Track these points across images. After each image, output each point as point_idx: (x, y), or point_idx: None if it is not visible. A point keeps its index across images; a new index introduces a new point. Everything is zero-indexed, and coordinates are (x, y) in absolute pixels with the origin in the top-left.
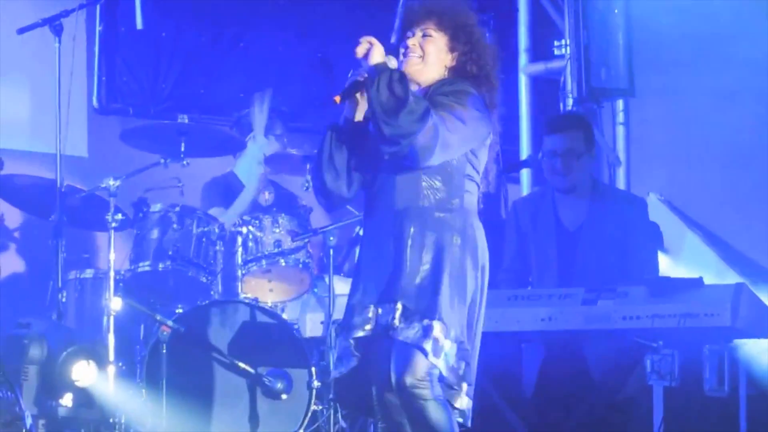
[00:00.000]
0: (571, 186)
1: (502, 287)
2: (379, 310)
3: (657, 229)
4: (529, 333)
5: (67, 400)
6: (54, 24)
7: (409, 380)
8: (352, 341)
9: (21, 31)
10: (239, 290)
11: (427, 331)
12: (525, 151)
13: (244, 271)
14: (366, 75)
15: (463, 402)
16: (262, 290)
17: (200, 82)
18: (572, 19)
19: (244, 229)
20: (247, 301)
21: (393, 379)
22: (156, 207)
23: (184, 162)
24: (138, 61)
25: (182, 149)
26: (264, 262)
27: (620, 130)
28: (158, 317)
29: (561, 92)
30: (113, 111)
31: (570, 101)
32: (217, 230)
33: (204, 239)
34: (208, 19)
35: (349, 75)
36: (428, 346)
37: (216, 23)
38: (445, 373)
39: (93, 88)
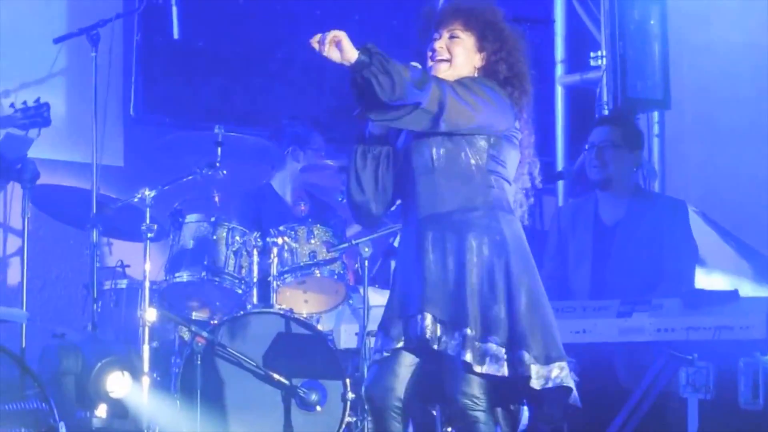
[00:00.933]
0: (606, 179)
1: None
2: (408, 323)
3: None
4: (564, 345)
5: (101, 411)
6: (91, 34)
7: (462, 399)
8: (386, 353)
9: (58, 40)
10: (274, 301)
11: (464, 341)
12: (561, 162)
13: (279, 282)
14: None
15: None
16: (297, 301)
17: (237, 93)
18: (608, 30)
19: (280, 240)
20: (281, 312)
21: (447, 391)
22: (192, 217)
23: (221, 172)
24: (175, 71)
25: (218, 159)
26: (299, 273)
27: (655, 142)
28: (193, 328)
29: (597, 103)
30: (149, 121)
31: (606, 112)
32: (252, 241)
33: (239, 250)
34: (245, 29)
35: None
36: (468, 356)
37: (253, 33)
38: (502, 372)
39: (129, 98)
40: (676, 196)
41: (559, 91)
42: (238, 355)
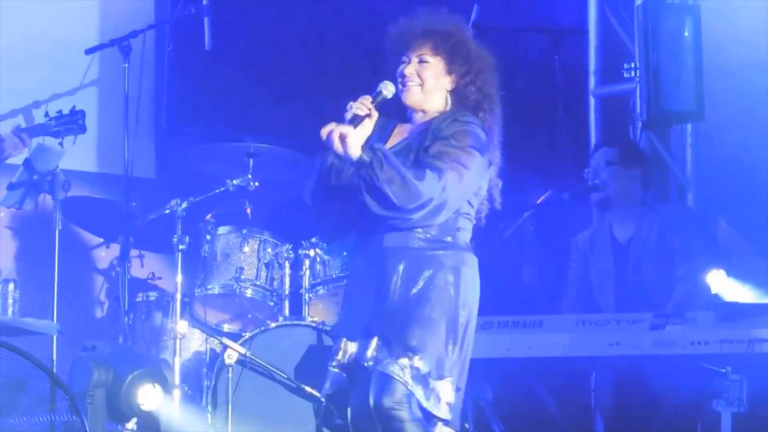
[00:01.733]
0: (603, 199)
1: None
2: (353, 345)
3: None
4: (597, 358)
5: (132, 423)
6: (123, 44)
7: (386, 402)
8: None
9: (89, 51)
10: (306, 313)
11: (411, 365)
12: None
13: (311, 295)
14: (368, 109)
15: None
16: (329, 313)
17: (269, 104)
18: (642, 42)
19: (312, 252)
20: (313, 324)
21: (371, 402)
22: (223, 229)
23: (252, 184)
24: (206, 81)
25: (250, 171)
26: (331, 285)
27: (689, 154)
28: (224, 340)
29: (630, 115)
30: (181, 132)
31: (639, 124)
32: (284, 253)
33: (271, 262)
34: (278, 40)
35: (348, 107)
36: (407, 376)
37: (285, 44)
38: (423, 402)
39: (161, 109)
40: (710, 208)
41: (592, 103)
42: (270, 367)
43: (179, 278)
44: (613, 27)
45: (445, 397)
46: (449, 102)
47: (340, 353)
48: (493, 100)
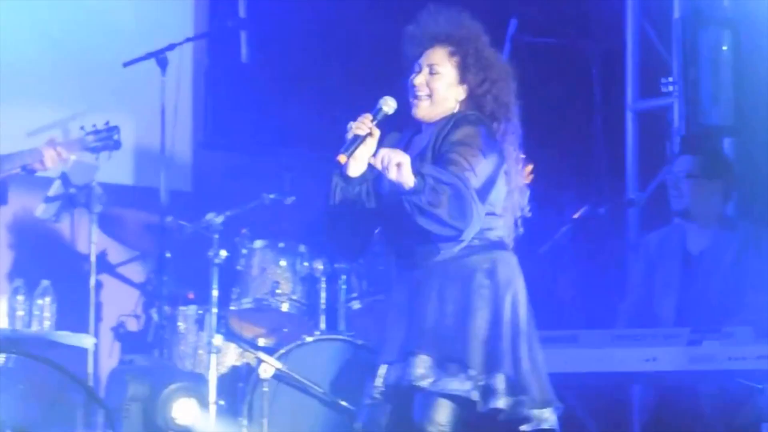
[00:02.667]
0: (684, 209)
1: (622, 319)
2: (392, 369)
3: None
4: (634, 374)
5: None
6: (160, 57)
7: (430, 425)
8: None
9: (127, 64)
10: (342, 328)
11: (454, 376)
12: (631, 189)
13: (347, 309)
14: (369, 128)
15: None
16: (365, 328)
17: (306, 117)
18: (681, 56)
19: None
20: (349, 338)
21: (416, 422)
22: (259, 243)
23: (288, 198)
24: (243, 95)
25: (287, 185)
26: (367, 299)
27: None
28: (260, 355)
29: (668, 130)
30: (218, 145)
31: (677, 139)
32: (320, 267)
33: (307, 276)
34: (314, 54)
35: (349, 127)
36: (500, 403)
37: (322, 58)
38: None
39: (198, 122)
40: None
41: (630, 117)
42: (305, 381)
43: (215, 292)
44: (651, 41)
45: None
46: (459, 101)
47: (379, 380)
48: (510, 110)
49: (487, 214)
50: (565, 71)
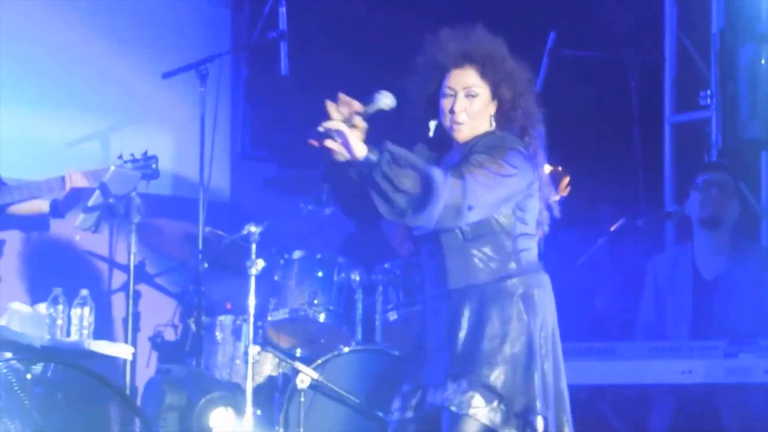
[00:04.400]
0: (717, 219)
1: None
2: (427, 393)
3: None
4: (669, 386)
5: None
6: (200, 69)
7: None
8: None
9: (166, 75)
10: (378, 338)
11: (485, 400)
12: (669, 202)
13: (383, 319)
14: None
15: None
16: (402, 338)
17: None
18: (719, 70)
19: (383, 278)
20: (386, 349)
21: None
22: (297, 254)
23: (327, 210)
24: (282, 106)
25: (324, 197)
26: (403, 310)
27: (764, 182)
28: (297, 365)
29: (706, 143)
30: (256, 157)
31: (716, 154)
32: (357, 278)
33: (344, 287)
34: (353, 66)
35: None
36: (495, 418)
37: (361, 69)
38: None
39: (236, 134)
40: None
41: (668, 130)
42: (341, 392)
43: (252, 302)
44: (689, 54)
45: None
46: (493, 124)
47: (413, 400)
48: (537, 120)
49: (522, 234)
50: (604, 84)
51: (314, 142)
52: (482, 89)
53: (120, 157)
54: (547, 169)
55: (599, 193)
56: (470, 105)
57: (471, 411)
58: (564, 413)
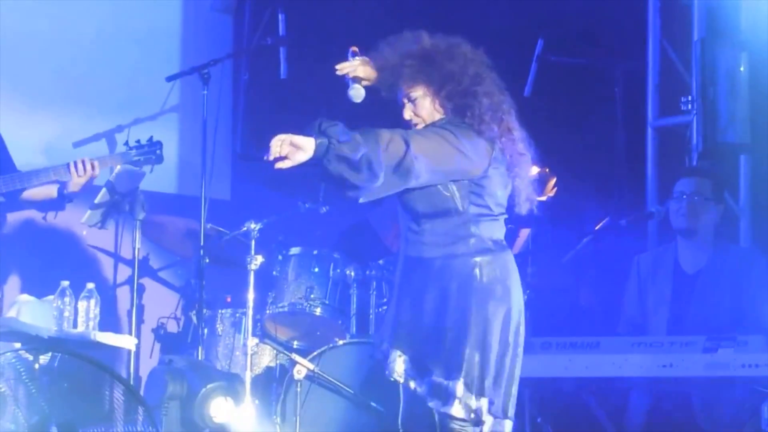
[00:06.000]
0: (692, 229)
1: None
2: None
3: None
4: (649, 378)
5: None
6: (202, 72)
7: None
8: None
9: (170, 78)
10: (372, 332)
11: (449, 394)
12: (651, 203)
13: (377, 313)
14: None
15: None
16: None
17: None
18: (699, 76)
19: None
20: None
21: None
22: (295, 250)
23: (323, 208)
24: (281, 109)
25: (321, 195)
26: None
27: (743, 184)
28: (294, 356)
29: (686, 146)
30: (255, 157)
31: (695, 161)
32: (352, 274)
33: (340, 282)
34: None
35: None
36: (455, 410)
37: None
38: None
39: (237, 135)
40: (763, 238)
41: (650, 134)
42: (336, 382)
43: (251, 296)
44: (671, 61)
45: (485, 416)
46: (440, 111)
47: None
48: (479, 94)
49: (480, 215)
50: (589, 90)
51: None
52: (417, 92)
53: (126, 144)
54: (535, 170)
55: (584, 193)
56: (414, 108)
57: (446, 409)
58: (510, 397)
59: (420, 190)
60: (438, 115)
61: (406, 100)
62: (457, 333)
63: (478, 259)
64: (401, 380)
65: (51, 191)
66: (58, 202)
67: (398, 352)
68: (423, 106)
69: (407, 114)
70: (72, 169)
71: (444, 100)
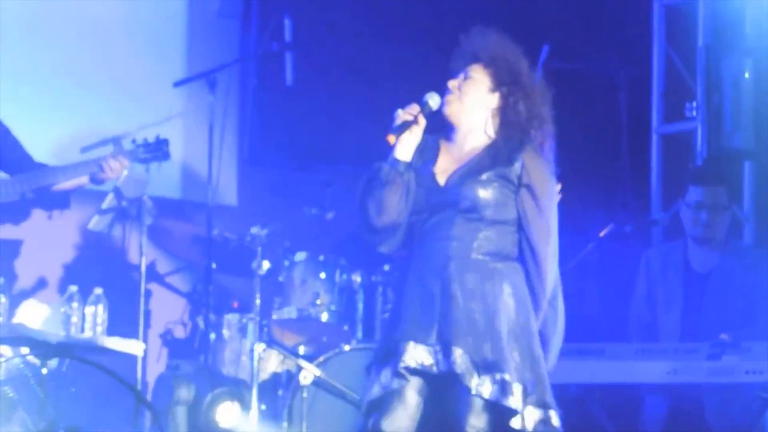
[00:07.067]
0: (711, 238)
1: (631, 338)
2: (421, 349)
3: None
4: (654, 385)
5: None
6: (209, 78)
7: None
8: (402, 369)
9: (177, 84)
10: (378, 337)
11: (504, 387)
12: (656, 209)
13: (382, 319)
14: (415, 116)
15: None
16: None
17: (346, 136)
18: (704, 82)
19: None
20: None
21: (460, 421)
22: (301, 256)
23: (329, 214)
24: (288, 114)
25: (328, 201)
26: None
27: (747, 189)
28: (300, 362)
29: (691, 152)
30: (262, 163)
31: (702, 166)
32: (358, 279)
33: (346, 288)
34: (356, 76)
35: (397, 114)
36: (511, 401)
37: (363, 80)
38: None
39: (243, 140)
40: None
41: (655, 140)
42: (343, 388)
43: (258, 302)
44: (676, 68)
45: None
46: (491, 122)
47: (407, 356)
48: (544, 119)
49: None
50: (594, 96)
51: (391, 138)
52: (480, 76)
53: (134, 141)
54: None
55: (589, 199)
56: (464, 84)
57: (491, 397)
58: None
59: (489, 184)
60: (478, 112)
61: (462, 75)
62: (510, 335)
63: (517, 266)
64: (468, 383)
65: (83, 180)
66: (64, 198)
67: (459, 350)
68: (472, 89)
69: (453, 82)
70: (106, 168)
71: (510, 108)
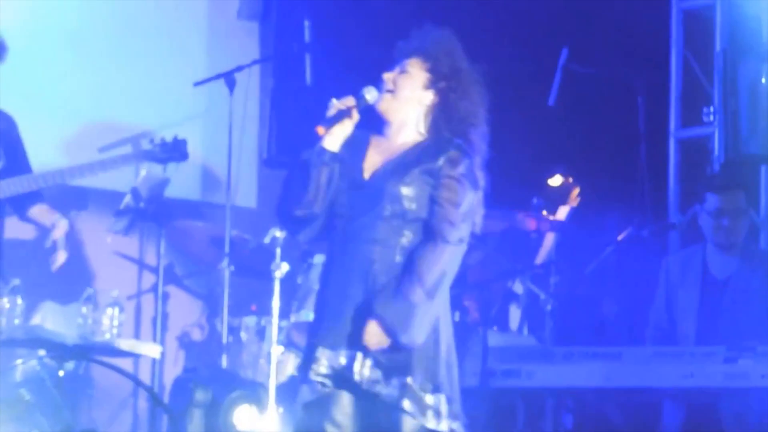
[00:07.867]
0: (734, 243)
1: (649, 344)
2: (333, 355)
3: None
4: (670, 389)
5: None
6: (229, 78)
7: None
8: (318, 378)
9: (197, 84)
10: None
11: (404, 389)
12: (673, 213)
13: None
14: (348, 108)
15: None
16: None
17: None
18: (721, 87)
19: None
20: None
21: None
22: (319, 258)
23: None
24: (307, 115)
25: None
26: None
27: (763, 195)
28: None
29: (708, 157)
30: (282, 164)
31: (720, 171)
32: None
33: None
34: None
35: (331, 104)
36: (408, 405)
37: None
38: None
39: (263, 141)
40: None
41: (672, 145)
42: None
43: (276, 304)
44: (694, 73)
45: (444, 412)
46: (425, 120)
47: (318, 365)
48: (479, 117)
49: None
50: (612, 100)
51: (320, 130)
52: (416, 71)
53: (151, 141)
54: (559, 179)
55: (607, 203)
56: (399, 78)
57: (402, 405)
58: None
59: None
60: (412, 109)
61: (398, 68)
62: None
63: None
64: (365, 384)
65: None
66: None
67: (360, 354)
68: (407, 84)
69: (388, 75)
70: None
71: (447, 104)
